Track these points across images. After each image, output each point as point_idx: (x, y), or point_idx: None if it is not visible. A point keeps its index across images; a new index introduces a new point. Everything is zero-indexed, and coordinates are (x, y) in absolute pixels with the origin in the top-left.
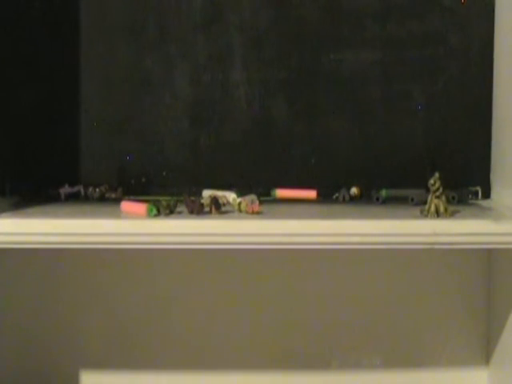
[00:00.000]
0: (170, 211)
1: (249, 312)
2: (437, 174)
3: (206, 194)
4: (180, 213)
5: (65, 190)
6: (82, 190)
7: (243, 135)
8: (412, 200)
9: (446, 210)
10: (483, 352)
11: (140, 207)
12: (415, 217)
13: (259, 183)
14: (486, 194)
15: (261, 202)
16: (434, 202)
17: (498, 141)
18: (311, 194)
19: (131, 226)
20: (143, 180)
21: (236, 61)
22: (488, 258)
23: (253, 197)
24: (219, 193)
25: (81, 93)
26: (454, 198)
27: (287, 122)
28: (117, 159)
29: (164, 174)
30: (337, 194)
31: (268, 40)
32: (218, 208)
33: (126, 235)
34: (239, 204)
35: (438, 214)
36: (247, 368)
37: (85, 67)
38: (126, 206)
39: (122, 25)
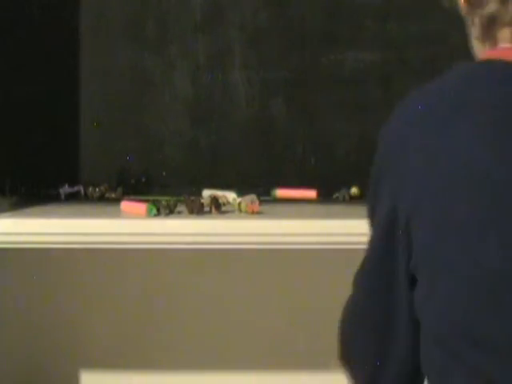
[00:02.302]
0: (170, 211)
1: (248, 311)
2: None
3: (206, 194)
4: (180, 213)
5: (65, 189)
6: (82, 190)
7: (243, 135)
8: None
9: None
10: None
11: (140, 207)
12: None
13: (259, 183)
14: None
15: (261, 202)
16: None
17: None
18: (311, 193)
19: (131, 225)
20: (143, 180)
21: (236, 61)
22: None
23: (253, 197)
24: (219, 193)
25: (81, 93)
26: None
27: (287, 122)
28: (117, 159)
29: (164, 174)
30: (337, 194)
31: (268, 40)
32: (217, 208)
33: (126, 235)
34: (239, 204)
35: None
36: (247, 368)
37: (85, 67)
38: (126, 205)
39: (122, 25)
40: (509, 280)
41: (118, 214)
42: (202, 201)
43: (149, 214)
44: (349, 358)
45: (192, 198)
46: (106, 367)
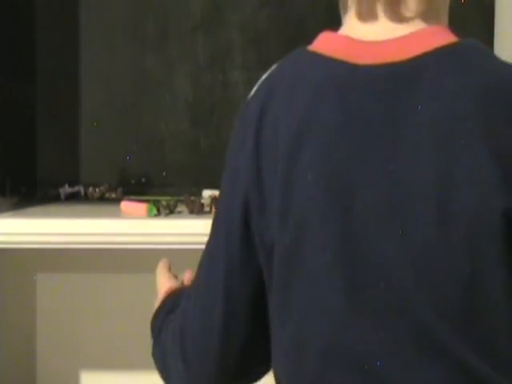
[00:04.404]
0: (170, 211)
1: None
2: None
3: (206, 194)
4: (180, 213)
5: (65, 189)
6: (82, 190)
7: None
8: None
9: None
10: None
11: (140, 207)
12: None
13: None
14: None
15: None
16: None
17: None
18: None
19: (131, 225)
20: (143, 180)
21: (236, 61)
22: None
23: None
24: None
25: (81, 93)
26: None
27: None
28: (117, 159)
29: (164, 174)
30: None
31: (268, 40)
32: None
33: (126, 235)
34: None
35: None
36: None
37: (85, 67)
38: (126, 205)
39: (122, 25)
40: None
41: (118, 214)
42: (202, 201)
43: (149, 214)
44: None
45: (192, 198)
46: (106, 367)
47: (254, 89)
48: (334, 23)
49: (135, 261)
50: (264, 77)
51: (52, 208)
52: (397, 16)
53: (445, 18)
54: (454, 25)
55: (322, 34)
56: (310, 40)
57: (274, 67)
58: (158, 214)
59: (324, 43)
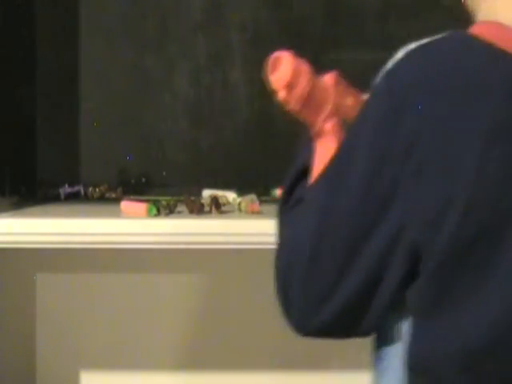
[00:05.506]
0: (170, 211)
1: (248, 311)
2: None
3: (206, 194)
4: (180, 213)
5: (65, 189)
6: (82, 190)
7: (243, 135)
8: None
9: None
10: None
11: (140, 207)
12: None
13: (259, 183)
14: None
15: (261, 202)
16: None
17: None
18: None
19: (131, 226)
20: (143, 180)
21: (236, 61)
22: None
23: (253, 197)
24: (219, 193)
25: (81, 93)
26: None
27: (287, 122)
28: (117, 159)
29: (164, 173)
30: None
31: (268, 40)
32: (218, 208)
33: (126, 235)
34: (239, 204)
35: None
36: (247, 368)
37: (85, 67)
38: (126, 205)
39: (121, 25)
40: None
41: (118, 214)
42: (202, 201)
43: (149, 214)
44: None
45: (192, 198)
46: (106, 367)
47: (400, 66)
48: (334, 23)
49: (135, 261)
50: (414, 56)
51: (52, 208)
52: None
53: None
54: (454, 24)
55: (483, 21)
56: (310, 40)
57: (420, 47)
58: (158, 213)
59: (492, 32)
